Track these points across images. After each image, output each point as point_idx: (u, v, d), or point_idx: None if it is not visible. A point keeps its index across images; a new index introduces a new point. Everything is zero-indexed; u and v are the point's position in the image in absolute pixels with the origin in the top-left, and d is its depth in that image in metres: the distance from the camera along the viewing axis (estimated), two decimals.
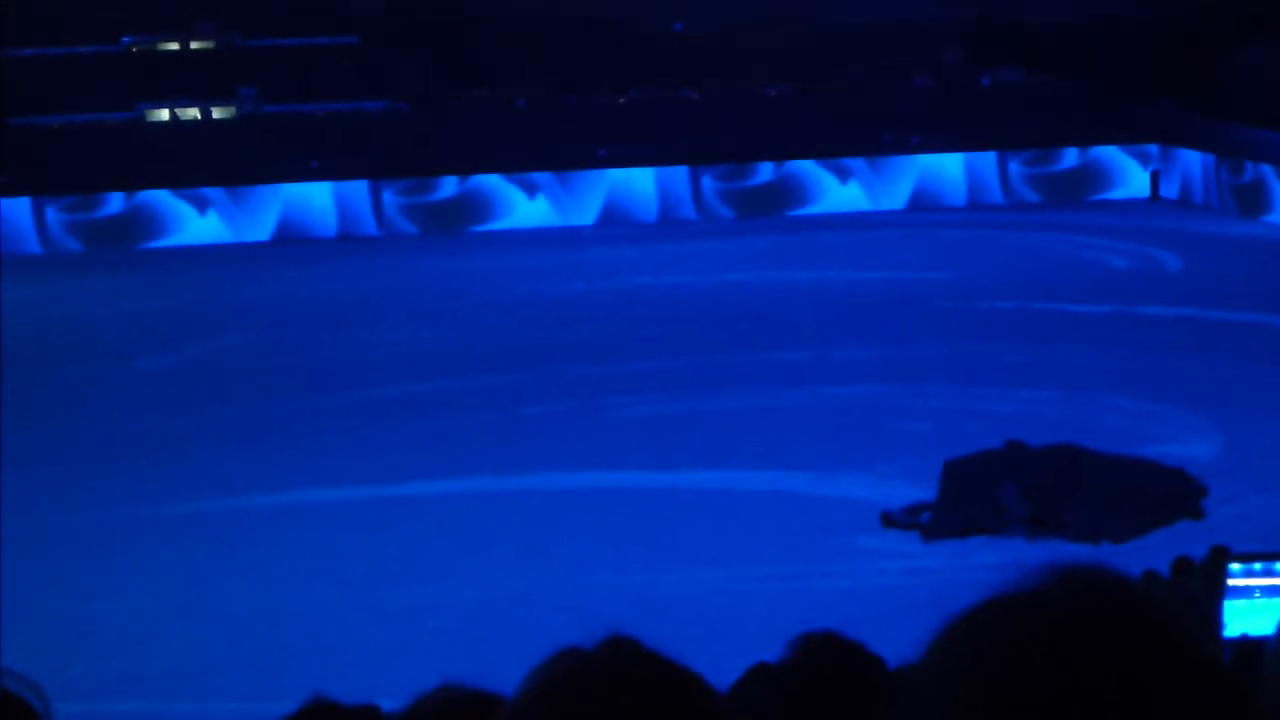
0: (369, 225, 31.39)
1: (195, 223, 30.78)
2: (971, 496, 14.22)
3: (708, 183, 32.13)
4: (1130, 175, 32.90)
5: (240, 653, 11.92)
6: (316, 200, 31.34)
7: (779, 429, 17.14)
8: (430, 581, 13.08)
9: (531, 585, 12.85)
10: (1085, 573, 2.06)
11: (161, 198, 30.70)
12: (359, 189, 31.43)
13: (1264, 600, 3.61)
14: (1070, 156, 32.79)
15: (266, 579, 13.33)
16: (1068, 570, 2.07)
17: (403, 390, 19.40)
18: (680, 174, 32.04)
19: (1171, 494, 14.25)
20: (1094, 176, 32.85)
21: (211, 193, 30.85)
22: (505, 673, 2.52)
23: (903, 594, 12.10)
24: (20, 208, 30.44)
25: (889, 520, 14.27)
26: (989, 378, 18.92)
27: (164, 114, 32.95)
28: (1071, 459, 14.64)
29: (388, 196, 31.55)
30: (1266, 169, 29.97)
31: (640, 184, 31.84)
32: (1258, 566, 3.79)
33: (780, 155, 31.98)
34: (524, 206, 31.47)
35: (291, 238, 30.79)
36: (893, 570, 13.18)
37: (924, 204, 32.00)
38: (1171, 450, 15.61)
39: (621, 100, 32.95)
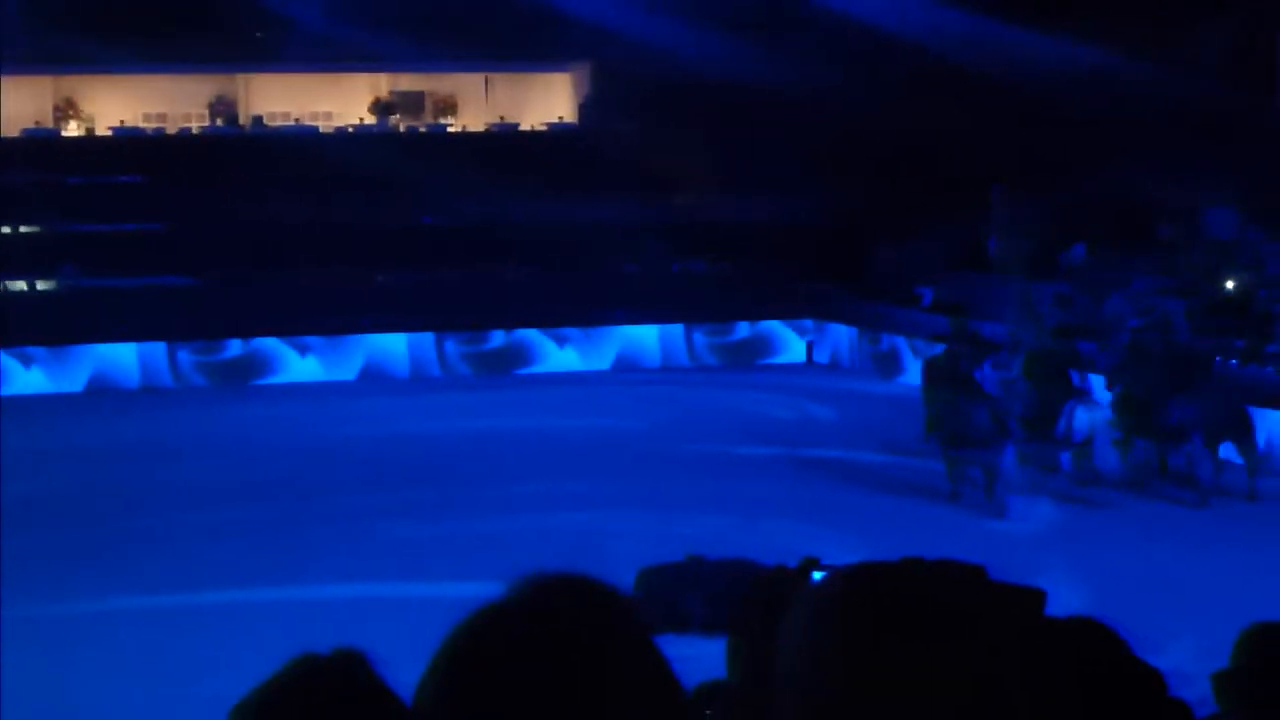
0: (166, 380, 31.39)
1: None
2: (656, 600, 15.56)
3: (450, 347, 32.51)
4: (790, 344, 33.89)
5: None
6: (124, 359, 31.32)
7: (509, 547, 17.25)
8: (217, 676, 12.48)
9: None
10: (557, 581, 2.13)
11: None
12: (158, 350, 31.41)
13: None
14: (742, 329, 33.70)
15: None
16: (541, 580, 2.12)
17: (203, 517, 19.37)
18: (428, 339, 32.43)
19: None
20: (761, 345, 33.79)
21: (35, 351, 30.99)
22: None
23: None
24: None
25: None
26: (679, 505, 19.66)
27: None
28: (745, 570, 15.87)
29: (183, 356, 31.61)
30: (900, 340, 31.28)
31: (394, 347, 32.25)
32: None
33: (510, 325, 32.55)
34: (297, 364, 31.81)
35: (102, 390, 30.68)
36: None
37: (626, 366, 32.80)
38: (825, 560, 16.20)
39: (380, 279, 33.61)
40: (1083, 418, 21.16)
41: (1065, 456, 21.21)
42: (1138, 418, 21.01)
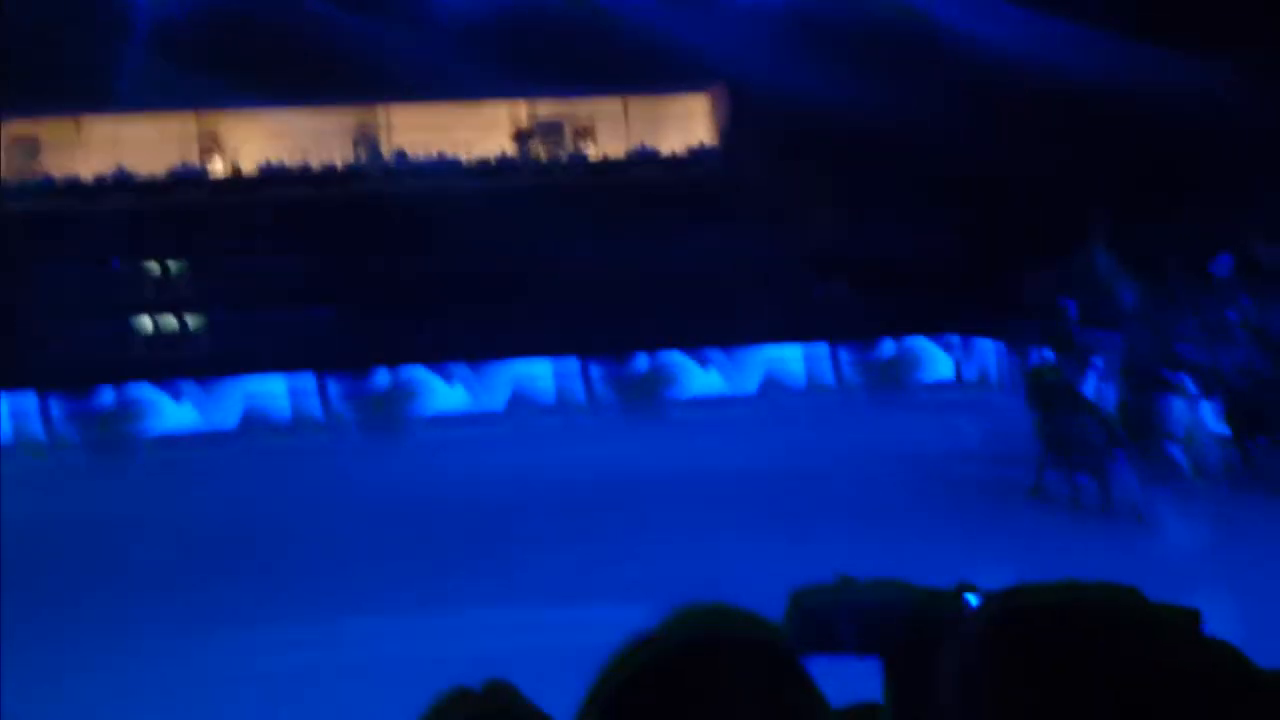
0: (317, 414, 31.44)
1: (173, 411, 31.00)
2: (808, 622, 15.28)
3: (595, 372, 32.40)
4: (936, 361, 33.56)
5: None
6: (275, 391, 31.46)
7: (655, 571, 16.66)
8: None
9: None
10: (705, 613, 2.25)
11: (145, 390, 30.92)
12: (308, 382, 31.47)
13: None
14: (887, 347, 33.40)
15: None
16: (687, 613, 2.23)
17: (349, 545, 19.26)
18: (573, 365, 32.37)
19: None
20: (908, 363, 33.43)
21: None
22: None
23: None
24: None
25: None
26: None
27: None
28: (897, 591, 15.69)
29: (332, 388, 31.62)
30: (1047, 353, 30.72)
31: (539, 374, 32.16)
32: None
33: (653, 347, 32.47)
34: (444, 393, 31.82)
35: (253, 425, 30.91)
36: None
37: (771, 387, 32.59)
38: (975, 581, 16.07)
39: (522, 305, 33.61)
40: (1184, 415, 21.11)
41: (1176, 451, 21.05)
42: (1246, 416, 21.08)
